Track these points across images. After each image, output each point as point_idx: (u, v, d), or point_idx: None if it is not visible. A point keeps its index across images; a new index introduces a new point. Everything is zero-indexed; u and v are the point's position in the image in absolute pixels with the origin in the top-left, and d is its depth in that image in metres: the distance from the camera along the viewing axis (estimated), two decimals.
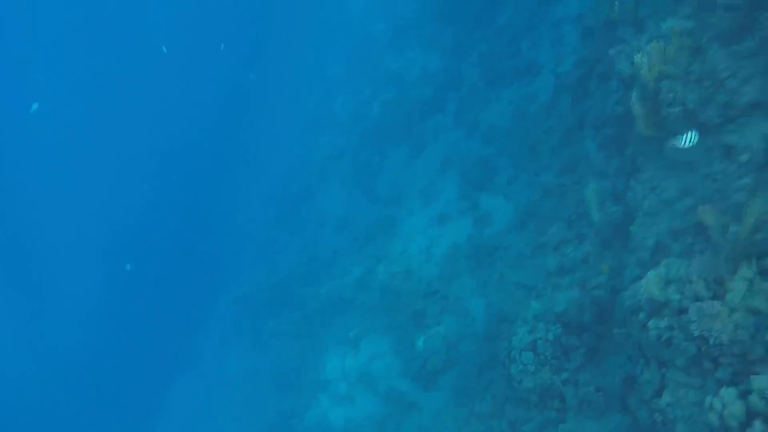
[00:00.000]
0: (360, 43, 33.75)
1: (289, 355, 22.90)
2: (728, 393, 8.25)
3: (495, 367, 14.14)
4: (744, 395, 8.10)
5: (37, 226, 43.94)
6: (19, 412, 35.60)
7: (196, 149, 40.69)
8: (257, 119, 36.76)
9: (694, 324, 8.93)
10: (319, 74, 35.00)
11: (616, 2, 13.45)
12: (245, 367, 26.07)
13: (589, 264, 12.89)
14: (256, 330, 26.15)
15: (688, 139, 9.80)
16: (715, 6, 10.89)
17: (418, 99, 27.11)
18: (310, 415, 19.91)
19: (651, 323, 9.58)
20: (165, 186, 40.52)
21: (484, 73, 24.23)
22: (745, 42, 10.60)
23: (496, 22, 24.70)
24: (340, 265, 24.05)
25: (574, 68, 17.11)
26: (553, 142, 17.17)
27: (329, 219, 27.24)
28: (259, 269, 28.65)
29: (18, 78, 42.28)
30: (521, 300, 14.70)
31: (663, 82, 10.94)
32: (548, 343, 12.04)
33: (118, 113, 43.14)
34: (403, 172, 24.95)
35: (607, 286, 12.35)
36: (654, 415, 9.68)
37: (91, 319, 37.38)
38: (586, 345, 12.03)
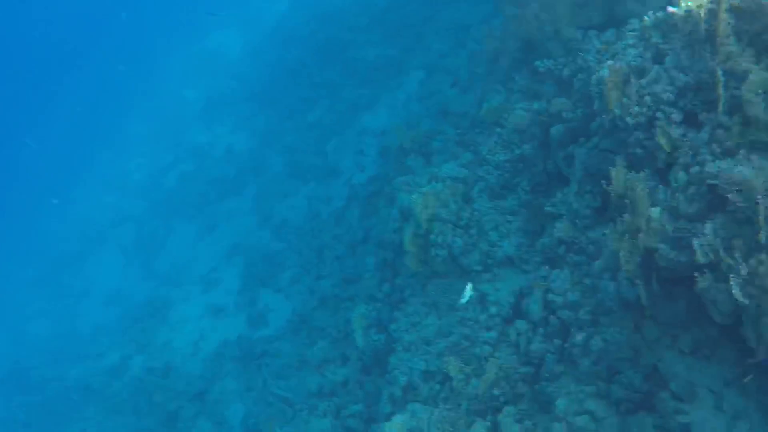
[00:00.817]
0: (170, 105, 32.23)
1: None
2: None
3: None
4: None
5: None
6: None
7: None
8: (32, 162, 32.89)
9: None
10: (119, 128, 32.56)
11: (400, 133, 13.99)
12: None
13: (348, 389, 12.56)
14: None
15: (467, 294, 10.16)
16: (488, 161, 11.68)
17: (218, 177, 26.13)
18: None
19: None
20: None
21: (288, 164, 24.00)
22: (508, 199, 11.42)
23: (308, 118, 24.85)
24: (98, 346, 21.48)
25: (368, 183, 17.44)
26: (338, 251, 17.08)
27: (97, 289, 24.55)
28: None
29: None
30: (278, 415, 13.89)
31: (434, 223, 11.32)
32: None
33: None
34: (187, 251, 23.45)
35: (362, 416, 12.05)
36: None
37: None
38: None
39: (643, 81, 7.80)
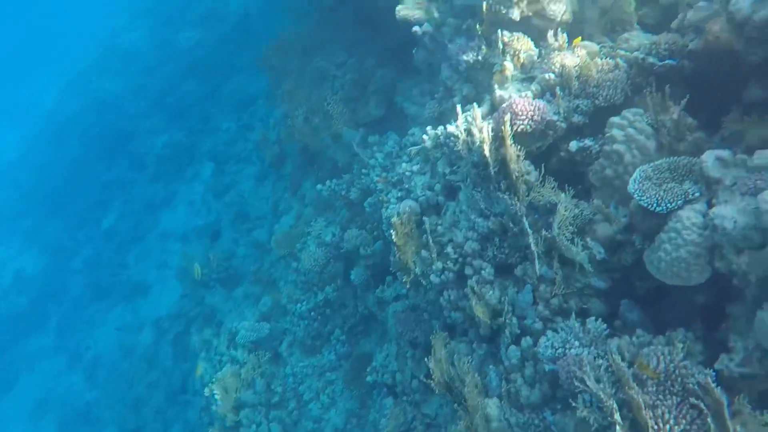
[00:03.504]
0: None
1: None
2: None
3: None
4: None
5: None
6: None
7: None
8: None
9: None
10: None
11: (196, 265, 11.66)
12: None
13: None
14: None
15: None
16: (291, 311, 9.70)
17: (10, 312, 21.94)
18: None
19: None
20: None
21: (89, 285, 20.56)
22: (324, 352, 9.51)
23: (102, 225, 21.56)
24: None
25: (174, 318, 14.80)
26: (156, 402, 14.32)
27: None
28: None
29: None
30: None
31: (242, 411, 9.17)
32: None
33: None
34: None
35: None
36: None
37: None
38: None
39: (440, 227, 6.15)
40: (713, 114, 5.21)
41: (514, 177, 5.22)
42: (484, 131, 5.19)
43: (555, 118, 5.44)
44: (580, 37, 5.88)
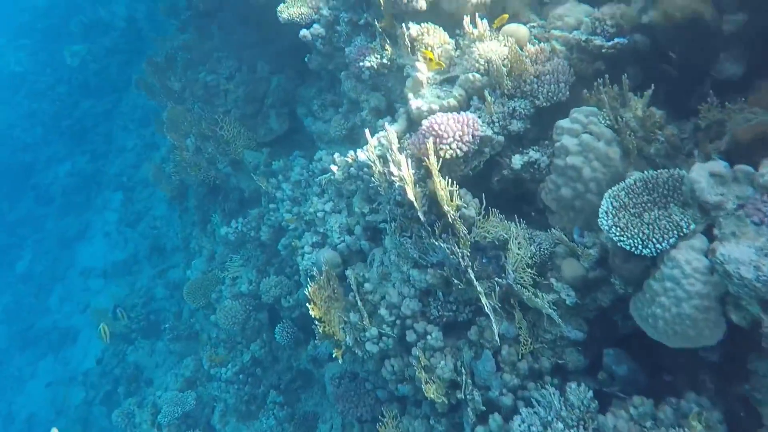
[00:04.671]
0: None
1: None
2: None
3: None
4: None
5: None
6: None
7: None
8: None
9: None
10: None
11: (103, 327, 10.10)
12: None
13: None
14: None
15: None
16: (217, 376, 8.39)
17: None
18: None
19: None
20: None
21: (12, 336, 18.70)
22: (261, 418, 8.27)
23: (17, 269, 19.59)
24: None
25: (100, 377, 13.22)
26: None
27: None
28: None
29: None
30: None
31: None
32: None
33: None
34: None
35: None
36: None
37: None
38: None
39: (368, 283, 4.91)
40: (680, 100, 4.14)
41: (449, 218, 4.04)
42: (403, 166, 3.96)
43: (489, 133, 4.25)
44: (505, 15, 4.66)
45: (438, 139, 4.08)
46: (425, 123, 4.20)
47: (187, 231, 9.77)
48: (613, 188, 3.65)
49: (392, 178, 3.99)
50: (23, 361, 18.17)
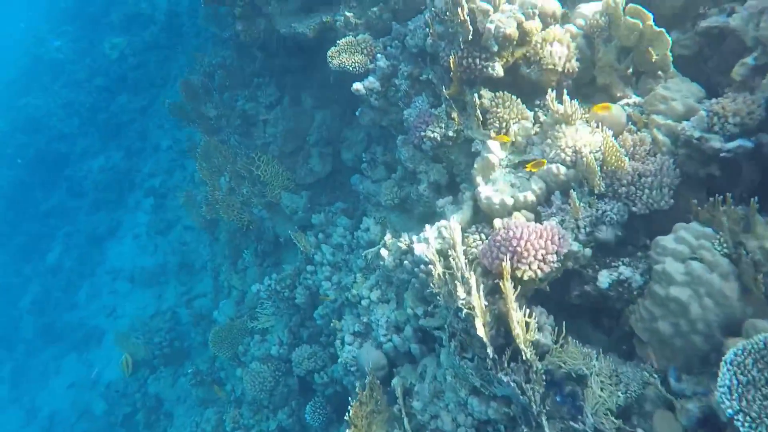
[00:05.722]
0: None
1: None
2: None
3: None
4: None
5: None
6: None
7: None
8: None
9: None
10: None
11: (126, 358, 9.61)
12: None
13: None
14: None
15: None
16: None
17: None
18: None
19: None
20: None
21: (40, 328, 18.64)
22: None
23: (47, 260, 19.50)
24: None
25: (120, 397, 12.83)
26: None
27: None
28: None
29: None
30: None
31: None
32: None
33: None
34: None
35: None
36: None
37: None
38: None
39: (416, 401, 4.23)
40: None
41: (522, 351, 3.35)
42: (473, 292, 3.27)
43: (576, 247, 3.54)
44: (609, 105, 3.90)
45: (515, 256, 3.38)
46: (501, 231, 3.50)
47: (217, 261, 9.23)
48: (735, 350, 2.90)
49: (458, 301, 3.31)
50: (48, 355, 18.11)
